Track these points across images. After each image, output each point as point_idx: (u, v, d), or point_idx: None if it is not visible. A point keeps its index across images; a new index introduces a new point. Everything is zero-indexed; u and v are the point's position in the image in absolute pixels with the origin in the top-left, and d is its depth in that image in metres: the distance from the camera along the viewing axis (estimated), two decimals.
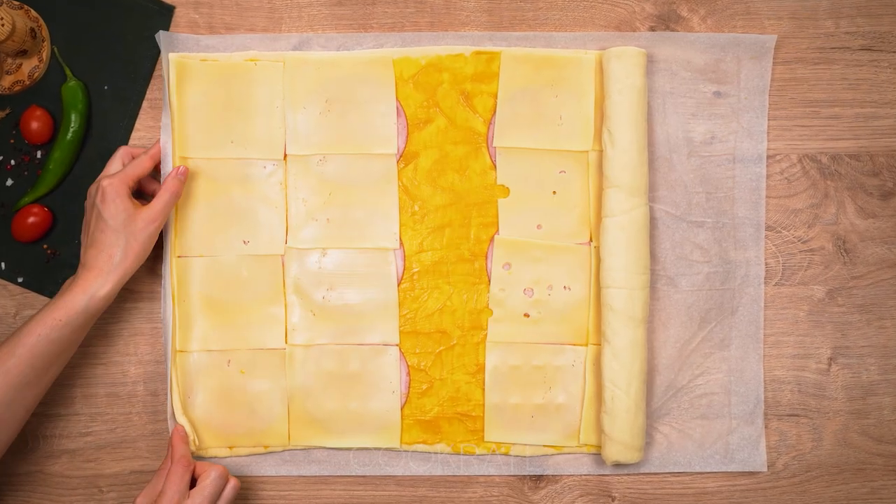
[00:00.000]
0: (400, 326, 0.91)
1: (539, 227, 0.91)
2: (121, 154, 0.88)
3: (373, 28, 0.93)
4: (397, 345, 0.91)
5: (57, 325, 0.79)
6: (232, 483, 0.83)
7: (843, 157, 0.93)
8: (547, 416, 0.91)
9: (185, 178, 0.88)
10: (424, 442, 0.91)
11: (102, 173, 0.87)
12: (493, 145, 0.91)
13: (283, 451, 0.91)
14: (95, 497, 0.91)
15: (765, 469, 0.92)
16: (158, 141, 0.89)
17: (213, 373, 0.91)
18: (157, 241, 0.90)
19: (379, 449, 0.91)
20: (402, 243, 0.92)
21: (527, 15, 0.93)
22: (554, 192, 0.91)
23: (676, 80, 0.92)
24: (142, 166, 0.86)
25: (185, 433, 0.87)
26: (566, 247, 0.91)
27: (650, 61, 0.91)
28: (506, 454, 0.91)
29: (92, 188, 0.85)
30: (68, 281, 0.84)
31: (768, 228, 0.92)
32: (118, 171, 0.85)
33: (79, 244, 0.91)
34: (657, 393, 0.91)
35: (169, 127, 0.90)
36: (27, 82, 0.91)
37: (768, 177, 0.92)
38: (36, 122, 0.90)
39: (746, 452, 0.91)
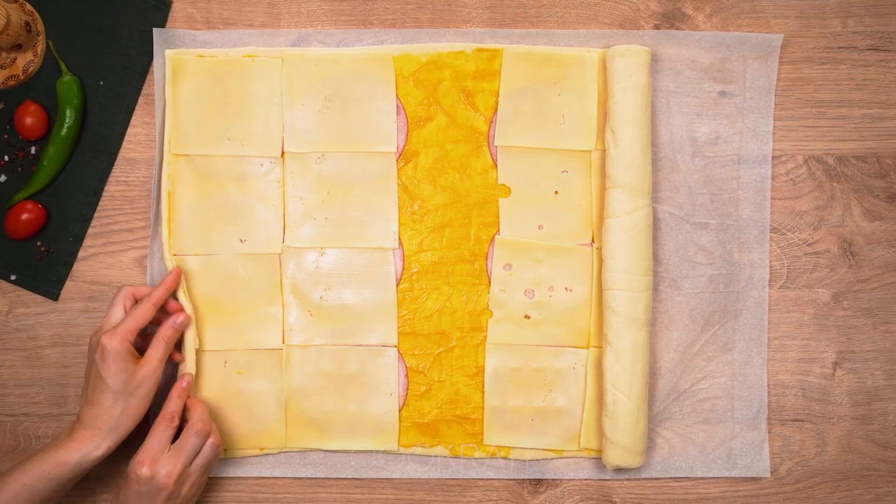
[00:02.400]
0: (398, 327, 0.91)
1: (540, 227, 0.90)
2: (122, 297, 0.84)
3: (373, 24, 0.92)
4: (396, 346, 0.91)
5: (44, 478, 0.78)
6: (211, 441, 0.83)
7: (849, 158, 0.92)
8: (547, 420, 0.90)
9: (182, 327, 0.85)
10: (423, 445, 0.90)
11: (104, 323, 0.83)
12: (495, 144, 0.91)
13: (279, 452, 0.91)
14: (88, 498, 0.91)
15: (768, 475, 0.91)
16: (163, 282, 0.86)
17: (210, 373, 0.90)
18: (152, 242, 0.89)
19: (376, 451, 0.90)
20: (401, 243, 0.91)
21: (529, 12, 0.92)
22: (556, 192, 0.91)
23: (681, 79, 0.91)
24: (143, 317, 0.82)
25: (184, 388, 0.85)
26: (568, 248, 0.90)
27: (654, 60, 0.90)
28: (505, 458, 0.90)
29: (93, 340, 0.82)
30: (64, 430, 0.81)
31: (773, 230, 0.92)
32: (119, 326, 0.81)
33: (72, 240, 0.91)
34: (659, 397, 0.91)
35: (159, 125, 0.90)
36: (21, 77, 0.90)
37: (773, 178, 0.92)
38: (30, 118, 0.89)
39: (749, 458, 0.91)
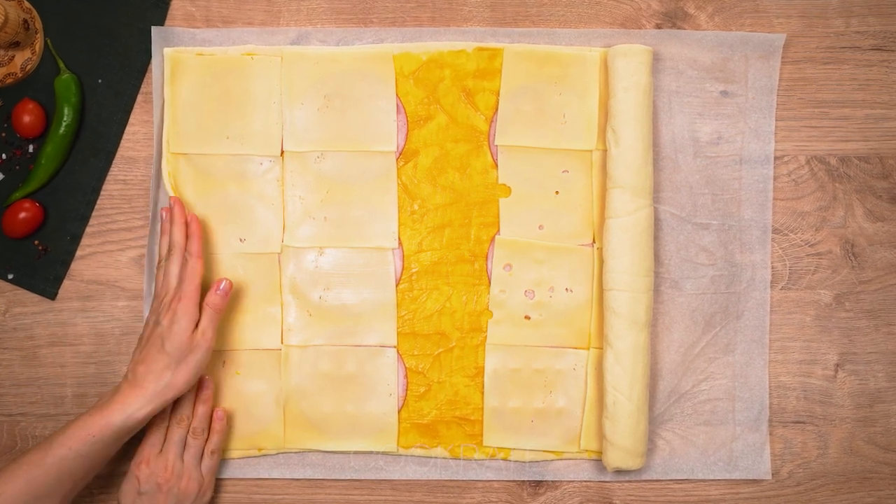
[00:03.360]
0: (398, 328, 0.90)
1: (541, 227, 0.90)
2: (177, 260, 0.83)
3: (373, 23, 0.91)
4: (395, 346, 0.90)
5: (88, 440, 0.77)
6: (195, 435, 0.86)
7: (851, 159, 0.92)
8: (547, 421, 0.90)
9: (230, 291, 0.84)
10: (422, 446, 0.90)
11: (168, 282, 0.83)
12: (495, 143, 0.90)
13: (278, 453, 0.90)
14: (85, 499, 0.90)
15: (769, 477, 0.91)
16: (192, 234, 0.84)
17: (208, 374, 0.89)
18: (150, 241, 0.89)
19: (375, 452, 0.90)
20: (400, 243, 0.90)
21: (530, 11, 0.91)
22: (556, 192, 0.90)
23: (683, 78, 0.91)
24: (199, 272, 0.82)
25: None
26: (568, 248, 0.90)
27: (656, 59, 0.90)
28: (505, 459, 0.90)
29: (163, 302, 0.82)
30: (108, 393, 0.81)
31: (775, 231, 0.91)
32: (184, 289, 0.81)
33: (70, 239, 0.91)
34: (660, 398, 0.90)
35: (157, 124, 0.89)
36: (19, 74, 0.90)
37: (775, 178, 0.91)
38: (28, 116, 0.89)
39: (750, 460, 0.90)
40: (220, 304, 0.83)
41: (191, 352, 0.80)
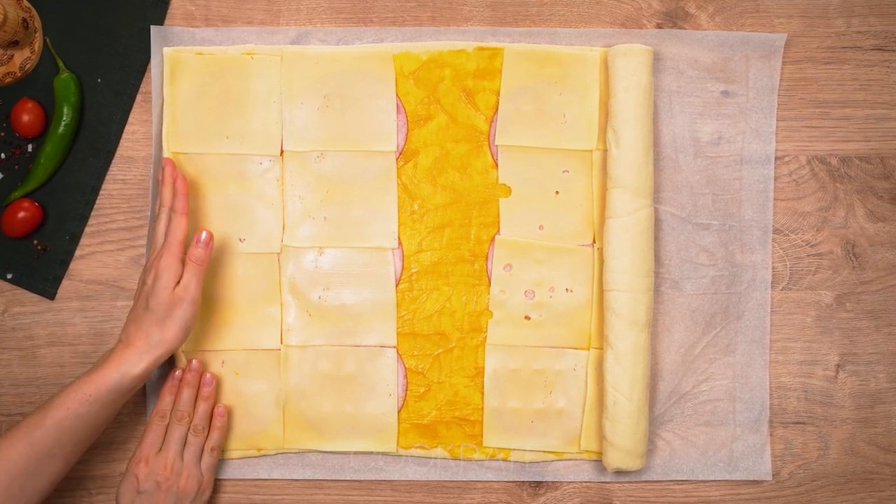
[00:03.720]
0: (398, 328, 0.90)
1: (541, 227, 0.90)
2: (162, 224, 0.83)
3: (373, 22, 0.91)
4: (395, 347, 0.90)
5: (85, 401, 0.77)
6: (196, 433, 0.86)
7: (853, 159, 0.92)
8: (547, 421, 0.89)
9: (211, 243, 0.83)
10: (422, 446, 0.90)
11: (156, 241, 0.83)
12: (495, 143, 0.90)
13: (277, 454, 0.90)
14: (84, 499, 0.90)
15: (769, 478, 0.90)
16: (176, 191, 0.84)
17: (210, 371, 0.89)
18: (149, 241, 0.88)
19: (375, 453, 0.90)
20: (400, 243, 0.90)
21: (531, 10, 0.91)
22: (557, 192, 0.90)
23: (683, 78, 0.90)
24: (183, 228, 0.82)
25: (172, 384, 0.87)
26: (569, 248, 0.90)
27: (657, 59, 0.90)
28: (505, 459, 0.90)
29: (149, 263, 0.82)
30: (105, 354, 0.81)
31: (776, 231, 0.91)
32: (166, 243, 0.81)
33: (69, 239, 0.90)
34: (660, 399, 0.90)
35: (156, 124, 0.89)
36: (18, 74, 0.90)
37: (776, 179, 0.91)
38: (27, 115, 0.89)
39: (751, 460, 0.90)
40: (201, 256, 0.83)
41: (175, 307, 0.80)
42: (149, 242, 0.89)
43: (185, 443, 0.85)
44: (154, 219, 0.86)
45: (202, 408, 0.86)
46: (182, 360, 0.88)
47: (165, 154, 0.89)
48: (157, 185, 0.87)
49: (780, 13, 0.92)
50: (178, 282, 0.81)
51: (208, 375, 0.88)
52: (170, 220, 0.83)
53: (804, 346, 0.91)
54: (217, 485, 0.90)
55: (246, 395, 0.89)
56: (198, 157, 0.90)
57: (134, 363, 0.79)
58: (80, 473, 0.90)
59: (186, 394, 0.86)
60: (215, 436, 0.87)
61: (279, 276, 0.90)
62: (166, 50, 0.89)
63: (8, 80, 0.90)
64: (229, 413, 0.89)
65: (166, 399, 0.86)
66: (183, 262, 0.82)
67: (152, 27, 0.89)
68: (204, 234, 0.83)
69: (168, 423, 0.85)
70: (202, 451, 0.86)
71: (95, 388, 0.77)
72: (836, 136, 0.92)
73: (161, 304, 0.80)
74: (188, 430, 0.85)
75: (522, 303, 0.90)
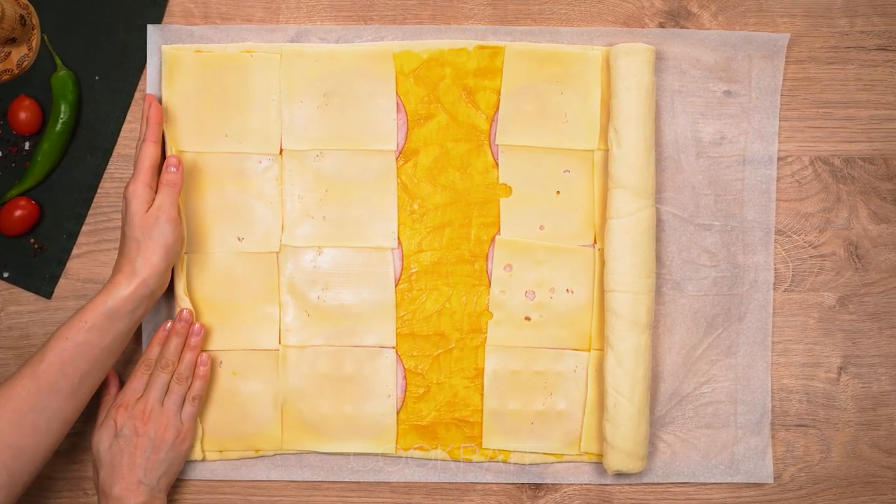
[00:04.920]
0: (397, 328, 0.89)
1: (542, 227, 0.89)
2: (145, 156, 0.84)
3: (373, 20, 0.91)
4: (394, 347, 0.89)
5: (82, 328, 0.78)
6: (179, 382, 0.86)
7: (856, 159, 0.91)
8: (547, 423, 0.89)
9: (181, 167, 0.84)
10: (421, 448, 0.89)
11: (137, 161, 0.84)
12: (496, 143, 0.90)
13: (275, 455, 0.90)
14: (80, 500, 0.90)
15: (771, 481, 0.90)
16: (148, 119, 0.84)
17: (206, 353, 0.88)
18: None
19: (373, 454, 0.89)
20: (400, 243, 0.90)
21: (532, 9, 0.91)
22: (557, 192, 0.89)
23: (686, 78, 0.90)
24: (152, 155, 0.83)
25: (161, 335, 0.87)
26: (569, 248, 0.89)
27: (659, 59, 0.89)
28: (504, 461, 0.89)
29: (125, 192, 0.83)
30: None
31: (778, 232, 0.91)
32: (134, 173, 0.82)
33: (66, 238, 0.90)
34: (661, 401, 0.90)
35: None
36: (16, 71, 0.89)
37: (779, 179, 0.91)
38: (24, 113, 0.88)
39: (752, 463, 0.90)
40: (173, 180, 0.83)
41: (151, 228, 0.81)
42: None
43: (167, 391, 0.85)
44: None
45: (188, 357, 0.86)
46: (182, 302, 0.88)
47: (171, 152, 0.88)
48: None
49: (783, 12, 0.91)
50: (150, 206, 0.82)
51: (197, 325, 0.87)
52: (139, 150, 0.84)
53: (806, 347, 0.91)
54: (214, 486, 0.89)
55: (244, 395, 0.89)
56: (196, 155, 0.89)
57: (124, 286, 0.80)
58: (77, 474, 0.90)
59: (174, 343, 0.86)
60: (197, 385, 0.86)
61: (278, 275, 0.89)
62: (164, 48, 0.88)
63: (5, 77, 0.89)
64: (213, 363, 0.88)
65: (154, 349, 0.86)
66: (153, 189, 0.83)
67: (149, 26, 0.88)
68: (172, 159, 0.84)
69: (151, 371, 0.85)
70: (184, 400, 0.85)
71: (90, 315, 0.79)
72: (839, 137, 0.91)
73: (136, 227, 0.81)
74: (171, 378, 0.85)
75: (523, 303, 0.89)
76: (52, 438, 0.79)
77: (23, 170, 0.89)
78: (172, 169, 0.84)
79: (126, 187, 0.82)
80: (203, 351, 0.88)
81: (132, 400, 0.84)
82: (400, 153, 0.90)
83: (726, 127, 0.90)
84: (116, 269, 0.82)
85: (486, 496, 0.90)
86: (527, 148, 0.90)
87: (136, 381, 0.85)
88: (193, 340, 0.87)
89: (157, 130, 0.84)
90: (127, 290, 0.80)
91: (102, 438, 0.83)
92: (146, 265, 0.80)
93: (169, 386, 0.85)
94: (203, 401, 0.88)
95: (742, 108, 0.90)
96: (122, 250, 0.82)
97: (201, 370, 0.87)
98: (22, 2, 0.89)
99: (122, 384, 0.87)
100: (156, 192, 0.83)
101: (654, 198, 0.86)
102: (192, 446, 0.87)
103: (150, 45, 0.89)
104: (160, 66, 0.89)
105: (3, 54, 0.89)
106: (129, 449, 0.82)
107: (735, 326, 0.90)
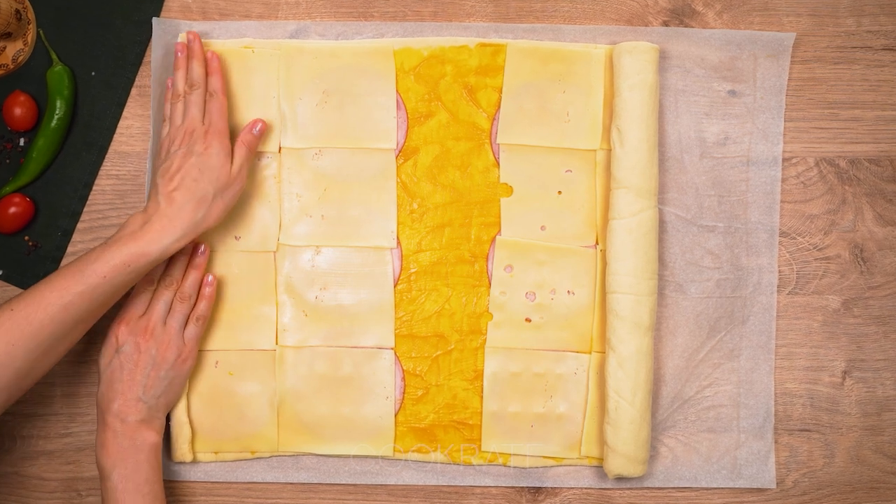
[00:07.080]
0: (395, 329, 0.89)
1: (543, 228, 0.89)
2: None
3: (373, 17, 0.90)
4: (392, 348, 0.89)
5: (124, 271, 0.76)
6: (182, 301, 0.84)
7: (862, 161, 0.90)
8: (547, 426, 0.88)
9: (262, 133, 0.84)
10: (419, 450, 0.88)
11: (173, 125, 0.83)
12: (497, 142, 0.89)
13: (271, 456, 0.89)
14: (74, 501, 0.89)
15: (774, 486, 0.89)
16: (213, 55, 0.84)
17: (200, 374, 0.88)
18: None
19: (371, 457, 0.89)
20: (399, 242, 0.89)
21: (534, 6, 0.90)
22: (559, 192, 0.89)
23: (690, 77, 0.89)
24: (226, 111, 0.84)
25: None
26: (571, 249, 0.88)
27: (663, 57, 0.89)
28: (504, 465, 0.89)
29: (193, 134, 0.81)
30: (133, 222, 0.78)
31: (782, 234, 0.90)
32: (221, 125, 0.82)
33: (61, 235, 0.89)
34: (663, 404, 0.89)
35: (153, 117, 0.88)
36: (11, 66, 0.89)
37: (784, 180, 0.90)
38: (19, 109, 0.87)
39: (755, 468, 0.89)
40: (254, 142, 0.84)
41: (228, 187, 0.80)
42: (153, 154, 0.87)
43: (170, 309, 0.83)
44: (170, 101, 0.84)
45: (192, 276, 0.85)
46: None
47: None
48: (177, 58, 0.85)
49: (788, 11, 0.90)
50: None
51: (202, 246, 0.86)
52: (211, 98, 0.82)
53: (810, 351, 0.90)
54: (210, 487, 0.89)
55: (240, 396, 0.88)
56: None
57: (177, 238, 0.77)
58: (70, 474, 0.89)
59: (178, 259, 0.84)
60: (202, 305, 0.85)
61: (275, 275, 0.89)
62: (164, 42, 0.88)
63: (0, 72, 0.88)
64: (219, 283, 0.87)
65: (160, 269, 0.84)
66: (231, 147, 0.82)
67: (154, 19, 0.87)
68: (260, 125, 0.85)
69: (155, 289, 0.84)
70: (187, 319, 0.84)
71: (135, 259, 0.76)
72: (844, 138, 0.91)
73: (218, 179, 0.79)
74: (174, 296, 0.84)
75: (523, 305, 0.88)
76: (58, 359, 0.77)
77: (17, 166, 0.89)
78: (257, 132, 0.84)
79: (212, 136, 0.80)
80: (208, 273, 0.86)
81: (134, 316, 0.82)
82: (400, 152, 0.89)
83: (730, 127, 0.90)
84: (170, 209, 0.78)
85: (484, 500, 0.89)
86: (528, 147, 0.89)
87: (138, 299, 0.83)
88: (198, 260, 0.86)
89: (224, 81, 0.84)
90: (180, 243, 0.77)
91: (104, 355, 0.82)
92: (206, 221, 0.79)
93: (172, 304, 0.84)
94: (207, 322, 0.86)
95: (747, 108, 0.89)
96: (183, 189, 0.78)
97: (207, 290, 0.85)
98: None
99: None
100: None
101: (656, 198, 0.86)
102: (192, 367, 0.85)
103: (156, 39, 0.87)
104: (161, 60, 0.88)
105: None
106: (128, 365, 0.81)
107: (738, 329, 0.89)
